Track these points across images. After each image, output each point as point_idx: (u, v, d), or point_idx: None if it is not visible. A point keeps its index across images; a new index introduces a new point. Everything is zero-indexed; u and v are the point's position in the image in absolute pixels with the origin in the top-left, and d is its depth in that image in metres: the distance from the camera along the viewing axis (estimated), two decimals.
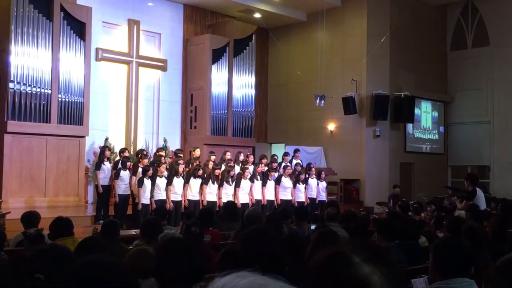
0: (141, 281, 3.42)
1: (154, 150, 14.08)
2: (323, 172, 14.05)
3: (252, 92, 16.58)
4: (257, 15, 17.26)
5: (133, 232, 8.41)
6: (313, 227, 7.08)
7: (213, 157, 12.76)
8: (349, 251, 1.21)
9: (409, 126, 18.11)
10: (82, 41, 13.00)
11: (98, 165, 11.64)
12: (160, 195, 11.21)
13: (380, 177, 16.71)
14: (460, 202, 9.86)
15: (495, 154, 17.93)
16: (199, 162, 12.50)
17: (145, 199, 10.99)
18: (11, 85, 11.80)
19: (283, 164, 13.62)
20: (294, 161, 14.15)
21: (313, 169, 13.78)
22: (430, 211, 10.40)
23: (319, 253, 1.25)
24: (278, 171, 13.21)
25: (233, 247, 3.78)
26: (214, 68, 15.82)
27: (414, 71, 18.05)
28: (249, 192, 12.44)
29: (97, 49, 14.37)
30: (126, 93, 15.27)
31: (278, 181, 12.93)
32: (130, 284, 1.60)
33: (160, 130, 15.93)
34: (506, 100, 17.63)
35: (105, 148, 12.12)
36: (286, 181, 13.02)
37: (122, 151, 12.21)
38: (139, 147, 14.58)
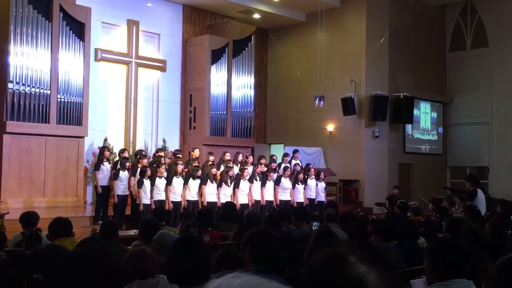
0: (139, 282, 3.43)
1: (153, 151, 14.09)
2: (322, 173, 14.06)
3: (251, 92, 16.58)
4: (256, 16, 17.26)
5: (132, 232, 8.41)
6: (315, 223, 7.07)
7: (211, 158, 12.77)
8: (345, 252, 1.21)
9: (408, 127, 18.11)
10: (81, 41, 13.00)
11: (97, 166, 11.64)
12: (159, 195, 11.21)
13: (379, 178, 16.71)
14: (461, 203, 9.88)
15: (494, 155, 17.94)
16: (198, 163, 12.51)
17: (146, 199, 11.00)
18: (10, 85, 11.80)
19: (283, 165, 13.63)
20: (293, 162, 14.15)
21: (312, 169, 13.78)
22: (431, 210, 10.41)
23: (316, 254, 1.26)
24: (278, 172, 13.21)
25: (230, 249, 3.80)
26: (213, 68, 15.83)
27: (413, 72, 18.06)
28: (248, 192, 12.45)
29: (96, 50, 14.37)
30: (125, 93, 15.27)
31: (277, 182, 12.93)
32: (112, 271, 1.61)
33: (159, 130, 15.93)
34: (505, 101, 17.64)
35: (105, 148, 12.13)
36: (286, 182, 13.02)
37: (121, 151, 12.23)
38: (138, 147, 14.58)
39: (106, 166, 11.61)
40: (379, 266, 1.19)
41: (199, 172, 11.81)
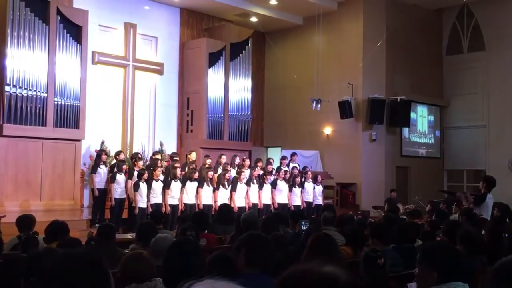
0: (136, 285, 3.42)
1: (150, 154, 14.08)
2: (319, 176, 14.07)
3: (248, 96, 16.58)
4: (254, 19, 17.27)
5: (129, 236, 8.39)
6: (304, 222, 7.07)
7: (208, 161, 12.77)
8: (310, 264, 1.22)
9: (405, 130, 18.14)
10: (78, 44, 12.98)
11: (94, 169, 11.65)
12: (156, 198, 11.20)
13: (376, 181, 16.72)
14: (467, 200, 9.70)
15: (491, 158, 17.96)
16: (195, 166, 12.50)
17: (142, 202, 10.99)
18: (7, 88, 11.77)
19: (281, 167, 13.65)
20: (291, 165, 14.16)
21: (309, 173, 13.79)
22: (429, 210, 10.39)
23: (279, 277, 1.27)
24: (274, 175, 13.22)
25: (227, 252, 3.81)
26: (210, 71, 15.82)
27: (410, 75, 18.10)
28: (245, 196, 12.45)
29: (93, 53, 14.35)
30: (122, 96, 15.25)
31: (273, 185, 12.94)
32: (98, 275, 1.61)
33: (156, 133, 15.91)
34: (502, 105, 17.68)
35: (102, 152, 12.13)
36: (282, 185, 13.03)
37: (117, 153, 12.23)
38: (135, 150, 14.53)
39: (103, 169, 11.62)
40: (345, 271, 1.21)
41: (196, 174, 11.80)
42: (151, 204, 11.05)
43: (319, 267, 1.20)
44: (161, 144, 15.47)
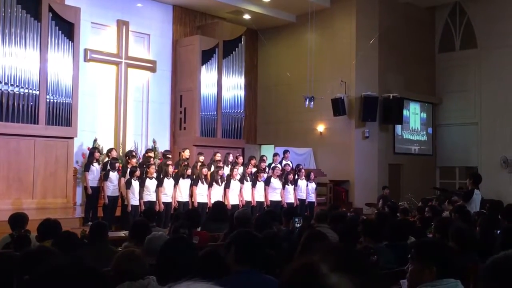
0: (129, 283, 3.42)
1: (143, 152, 14.05)
2: (312, 173, 14.07)
3: (241, 93, 16.57)
4: (247, 16, 17.26)
5: (122, 233, 8.38)
6: (297, 220, 7.09)
7: (201, 158, 12.76)
8: (317, 261, 1.19)
9: (398, 128, 18.18)
10: (70, 41, 12.93)
11: (87, 167, 11.60)
12: (149, 196, 11.18)
13: (369, 178, 16.76)
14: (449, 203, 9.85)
15: (483, 156, 18.05)
16: (188, 163, 12.49)
17: (134, 200, 10.97)
18: None
19: (273, 165, 13.64)
20: (284, 162, 14.16)
21: (303, 170, 13.79)
22: (419, 209, 10.45)
23: (289, 265, 1.24)
24: (267, 172, 13.22)
25: (214, 249, 3.82)
26: (203, 69, 15.80)
27: (403, 73, 18.14)
28: (238, 193, 12.45)
29: (85, 50, 14.29)
30: (115, 94, 15.20)
31: (267, 182, 12.94)
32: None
33: (149, 131, 15.88)
34: (493, 102, 17.76)
35: (95, 149, 12.08)
36: (275, 182, 13.03)
37: (109, 151, 12.18)
38: (128, 148, 14.50)
39: (96, 167, 11.57)
40: (353, 273, 1.17)
41: (189, 171, 11.78)
42: (144, 202, 11.03)
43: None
44: (154, 142, 15.46)
